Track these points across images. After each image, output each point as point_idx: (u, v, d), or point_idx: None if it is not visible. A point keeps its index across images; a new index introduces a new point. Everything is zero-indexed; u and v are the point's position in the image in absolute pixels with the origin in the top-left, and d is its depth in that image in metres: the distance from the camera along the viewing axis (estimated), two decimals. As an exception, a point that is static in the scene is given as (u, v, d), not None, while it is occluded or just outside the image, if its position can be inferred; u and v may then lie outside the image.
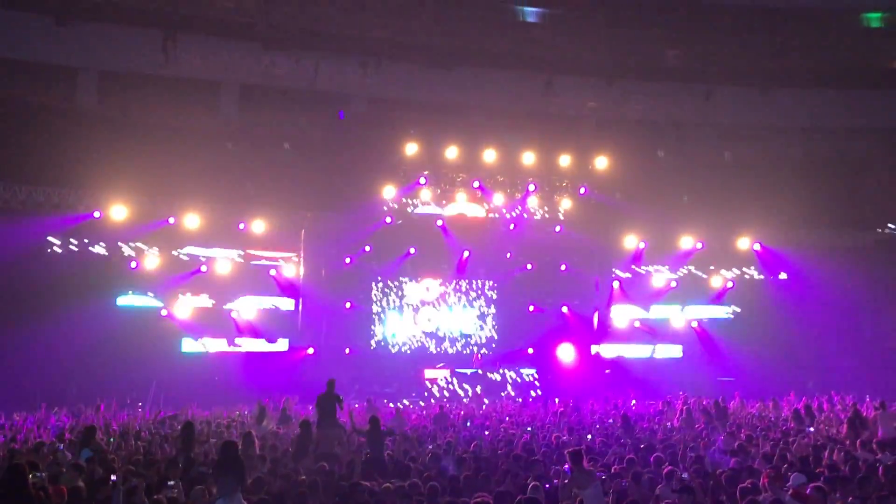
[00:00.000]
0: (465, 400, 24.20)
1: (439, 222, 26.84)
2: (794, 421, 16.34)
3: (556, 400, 21.66)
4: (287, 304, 26.38)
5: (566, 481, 9.39)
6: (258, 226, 24.79)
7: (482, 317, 28.30)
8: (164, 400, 20.34)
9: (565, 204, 27.98)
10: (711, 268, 28.73)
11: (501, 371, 26.94)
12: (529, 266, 27.92)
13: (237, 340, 25.47)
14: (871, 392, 20.55)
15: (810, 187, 27.60)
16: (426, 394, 25.23)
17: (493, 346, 28.05)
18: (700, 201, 28.16)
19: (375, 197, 25.96)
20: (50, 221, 22.79)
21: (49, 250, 23.24)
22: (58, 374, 21.34)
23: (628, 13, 28.72)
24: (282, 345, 26.01)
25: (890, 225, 28.77)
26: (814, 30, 29.55)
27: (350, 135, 26.41)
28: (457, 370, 26.56)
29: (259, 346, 25.69)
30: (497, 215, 27.45)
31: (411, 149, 26.21)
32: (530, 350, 27.52)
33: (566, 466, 9.79)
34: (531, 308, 28.00)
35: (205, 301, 25.17)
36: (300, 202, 25.52)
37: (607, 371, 27.75)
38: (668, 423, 17.24)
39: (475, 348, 27.89)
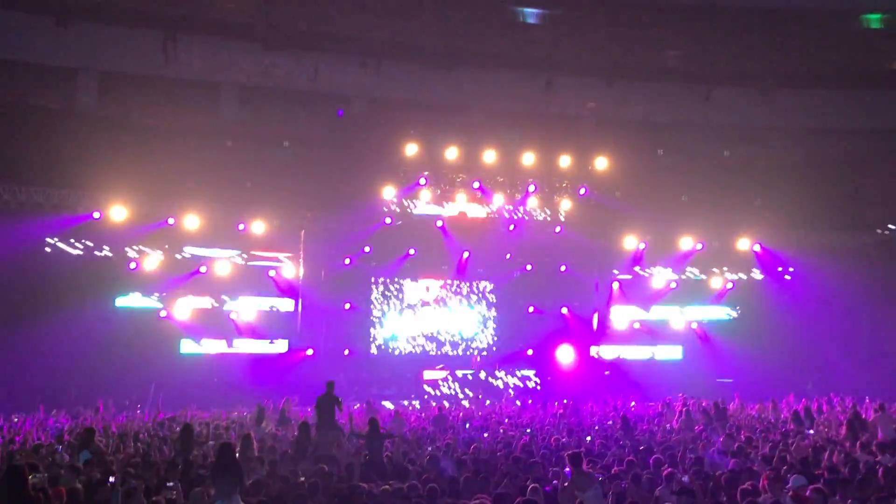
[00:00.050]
0: (465, 403, 24.15)
1: (439, 223, 26.83)
2: (794, 422, 16.32)
3: (556, 403, 21.61)
4: (286, 305, 26.37)
5: (566, 484, 9.37)
6: (258, 226, 24.77)
7: (481, 318, 28.28)
8: (164, 401, 20.32)
9: (565, 205, 27.99)
10: (714, 270, 28.73)
11: (500, 373, 26.88)
12: (529, 267, 27.91)
13: (236, 341, 25.45)
14: (871, 394, 20.55)
15: (810, 188, 27.64)
16: (426, 397, 25.20)
17: (493, 347, 28.03)
18: (700, 202, 28.17)
19: (375, 197, 25.96)
20: (49, 222, 22.78)
21: (48, 251, 23.23)
22: (57, 376, 21.32)
23: (628, 13, 28.68)
24: (281, 346, 26.00)
25: (890, 226, 28.77)
26: (814, 30, 29.51)
27: (350, 135, 26.41)
28: (456, 372, 26.54)
29: (258, 347, 25.67)
30: (496, 216, 27.44)
31: (411, 149, 26.20)
32: (530, 351, 27.50)
33: (567, 469, 9.77)
34: (531, 309, 27.98)
35: (204, 302, 25.15)
36: (300, 203, 25.50)
37: (607, 372, 27.74)
38: (668, 425, 17.22)
39: (474, 350, 27.87)
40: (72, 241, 23.49)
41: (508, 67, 28.73)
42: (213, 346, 25.07)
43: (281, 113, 27.86)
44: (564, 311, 28.13)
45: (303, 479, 10.28)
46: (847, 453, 12.08)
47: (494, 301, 28.32)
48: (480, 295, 28.30)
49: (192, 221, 23.97)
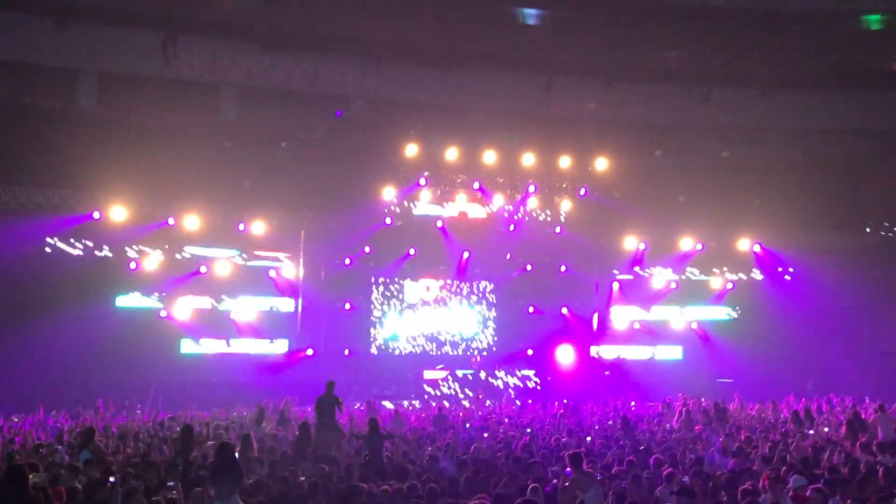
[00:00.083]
0: (465, 403, 24.15)
1: (439, 223, 26.85)
2: (794, 423, 16.32)
3: (556, 403, 21.61)
4: (286, 305, 26.38)
5: (567, 484, 9.38)
6: (258, 227, 24.79)
7: (481, 318, 28.29)
8: (164, 401, 20.33)
9: (565, 205, 28.01)
10: (714, 270, 28.74)
11: (500, 373, 26.89)
12: (529, 267, 27.92)
13: (236, 342, 25.45)
14: (871, 394, 20.57)
15: (810, 189, 27.64)
16: (426, 397, 25.20)
17: (493, 347, 28.04)
18: (700, 203, 28.17)
19: (375, 198, 25.97)
20: (49, 222, 22.78)
21: (48, 251, 23.24)
22: (57, 376, 21.30)
23: (628, 14, 28.71)
24: (281, 346, 26.01)
25: (889, 226, 28.79)
26: (813, 32, 29.54)
27: (350, 136, 26.42)
28: (456, 371, 26.54)
29: (258, 347, 25.68)
30: (497, 216, 27.45)
31: (411, 150, 26.22)
32: (530, 352, 27.50)
33: (567, 469, 9.78)
34: (531, 309, 27.99)
35: (204, 302, 25.16)
36: (300, 203, 25.51)
37: (607, 373, 27.74)
38: (668, 425, 17.23)
39: (474, 350, 27.87)
40: (72, 241, 23.49)
41: (508, 68, 28.74)
42: (213, 346, 25.07)
43: (281, 113, 27.85)
44: (564, 311, 28.13)
45: (303, 479, 10.29)
46: (847, 453, 12.09)
47: (494, 301, 28.32)
48: (480, 295, 28.31)
49: (192, 221, 23.98)
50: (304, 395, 20.00)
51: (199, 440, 13.16)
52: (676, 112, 30.07)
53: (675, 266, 28.49)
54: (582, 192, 27.81)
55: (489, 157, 26.65)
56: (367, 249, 26.20)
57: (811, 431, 15.65)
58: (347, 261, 26.13)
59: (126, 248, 24.09)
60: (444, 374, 26.42)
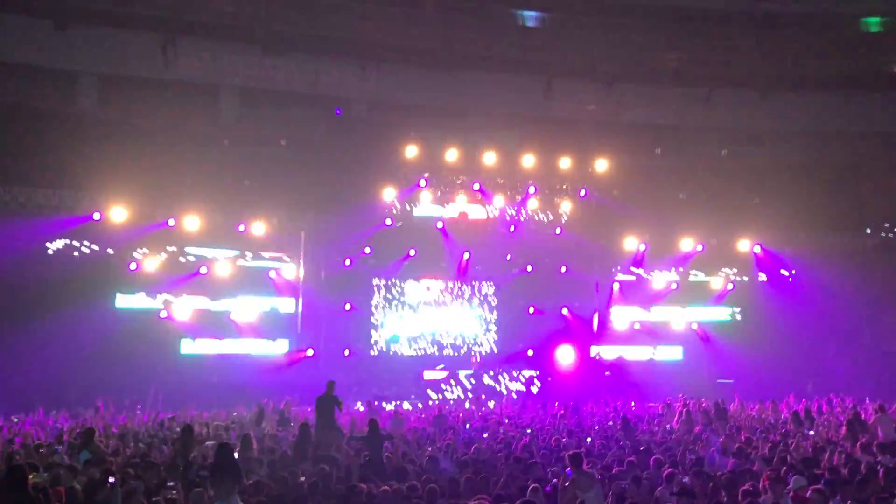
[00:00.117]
0: (466, 405, 24.15)
1: (439, 224, 26.87)
2: (794, 423, 16.31)
3: (557, 404, 21.61)
4: (287, 305, 26.38)
5: (567, 484, 9.38)
6: (258, 227, 24.82)
7: (482, 319, 28.29)
8: (164, 401, 20.34)
9: (565, 206, 28.02)
10: (715, 271, 28.73)
11: (496, 373, 26.87)
12: (530, 268, 27.93)
13: (236, 342, 25.45)
14: (871, 395, 20.56)
15: (810, 191, 27.67)
16: (430, 402, 25.14)
17: (494, 348, 28.04)
18: (700, 204, 28.19)
19: (375, 199, 26.01)
20: (50, 223, 22.83)
21: (49, 252, 23.25)
22: (57, 376, 21.33)
23: (627, 17, 28.73)
24: (281, 346, 26.01)
25: (888, 227, 28.80)
26: (813, 33, 29.57)
27: (350, 137, 26.45)
28: (458, 372, 26.54)
29: (259, 347, 25.69)
30: (497, 217, 27.45)
31: (411, 151, 26.24)
32: (530, 352, 27.50)
33: (567, 470, 9.78)
34: (531, 310, 28.00)
35: (204, 303, 25.17)
36: (300, 204, 25.54)
37: (607, 373, 27.73)
38: (668, 426, 17.23)
39: (475, 351, 27.87)
40: (72, 242, 23.49)
41: (508, 69, 28.75)
42: (213, 347, 25.07)
43: (281, 115, 27.87)
44: (565, 311, 28.14)
45: (302, 479, 10.29)
46: (847, 454, 12.09)
47: (495, 302, 28.32)
48: (481, 296, 28.31)
49: (192, 222, 24.01)
50: (305, 395, 20.00)
51: (199, 440, 13.16)
52: (676, 113, 30.07)
53: (676, 267, 28.49)
54: (582, 193, 27.83)
55: (489, 158, 26.67)
56: (367, 250, 26.22)
57: (811, 432, 15.65)
58: (348, 261, 26.15)
59: (126, 249, 24.09)
60: (444, 374, 26.41)
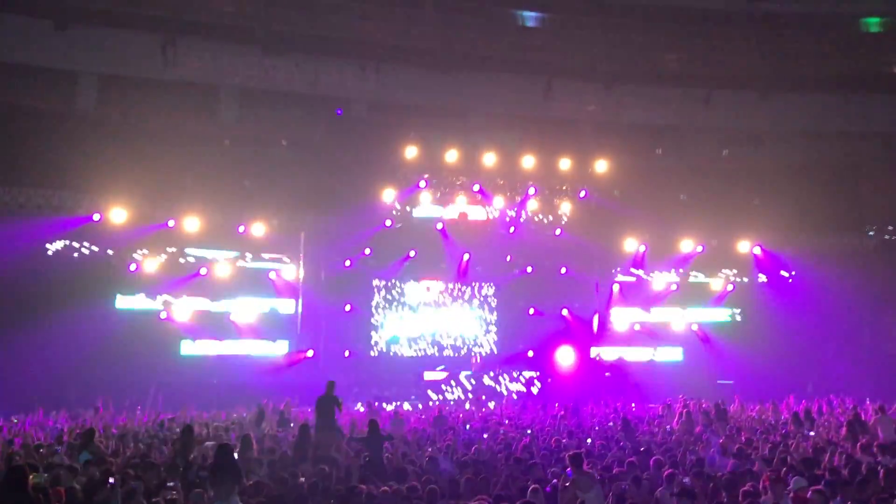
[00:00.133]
0: (466, 405, 24.15)
1: (439, 225, 26.86)
2: (794, 424, 16.31)
3: (557, 404, 21.60)
4: (287, 306, 26.38)
5: (567, 485, 9.38)
6: (258, 228, 24.82)
7: (482, 320, 28.29)
8: (164, 402, 20.33)
9: (565, 207, 28.02)
10: (719, 273, 28.73)
11: (496, 374, 26.86)
12: (530, 269, 27.93)
13: (236, 343, 25.45)
14: (871, 395, 20.54)
15: (810, 191, 27.67)
16: (431, 403, 25.13)
17: (494, 349, 28.03)
18: (700, 205, 28.19)
19: (375, 200, 26.00)
20: (50, 224, 22.83)
21: (49, 253, 23.24)
22: (57, 377, 21.33)
23: (627, 17, 28.74)
24: (281, 347, 26.01)
25: (890, 228, 28.79)
26: (812, 34, 29.59)
27: (350, 138, 26.45)
28: (458, 373, 26.53)
29: (259, 348, 25.68)
30: (497, 218, 27.45)
31: (411, 152, 26.24)
32: (530, 353, 27.50)
33: (568, 470, 9.78)
34: (531, 311, 27.99)
35: (204, 303, 25.17)
36: (300, 205, 25.54)
37: (607, 374, 27.73)
38: (668, 426, 17.22)
39: (475, 351, 27.86)
40: (72, 242, 23.49)
41: (508, 70, 28.76)
42: (213, 348, 25.07)
43: (281, 115, 27.89)
44: (565, 312, 28.14)
45: (302, 480, 10.29)
46: (848, 455, 12.08)
47: (495, 303, 28.32)
48: (481, 297, 28.31)
49: (192, 223, 24.02)
50: (304, 396, 19.99)
51: (198, 441, 13.16)
52: (676, 114, 30.09)
53: (676, 268, 28.49)
54: (582, 193, 27.83)
55: (489, 159, 26.68)
56: (367, 251, 26.22)
57: (811, 433, 15.64)
58: (348, 262, 26.15)
59: (126, 250, 24.09)
60: (444, 375, 26.41)
